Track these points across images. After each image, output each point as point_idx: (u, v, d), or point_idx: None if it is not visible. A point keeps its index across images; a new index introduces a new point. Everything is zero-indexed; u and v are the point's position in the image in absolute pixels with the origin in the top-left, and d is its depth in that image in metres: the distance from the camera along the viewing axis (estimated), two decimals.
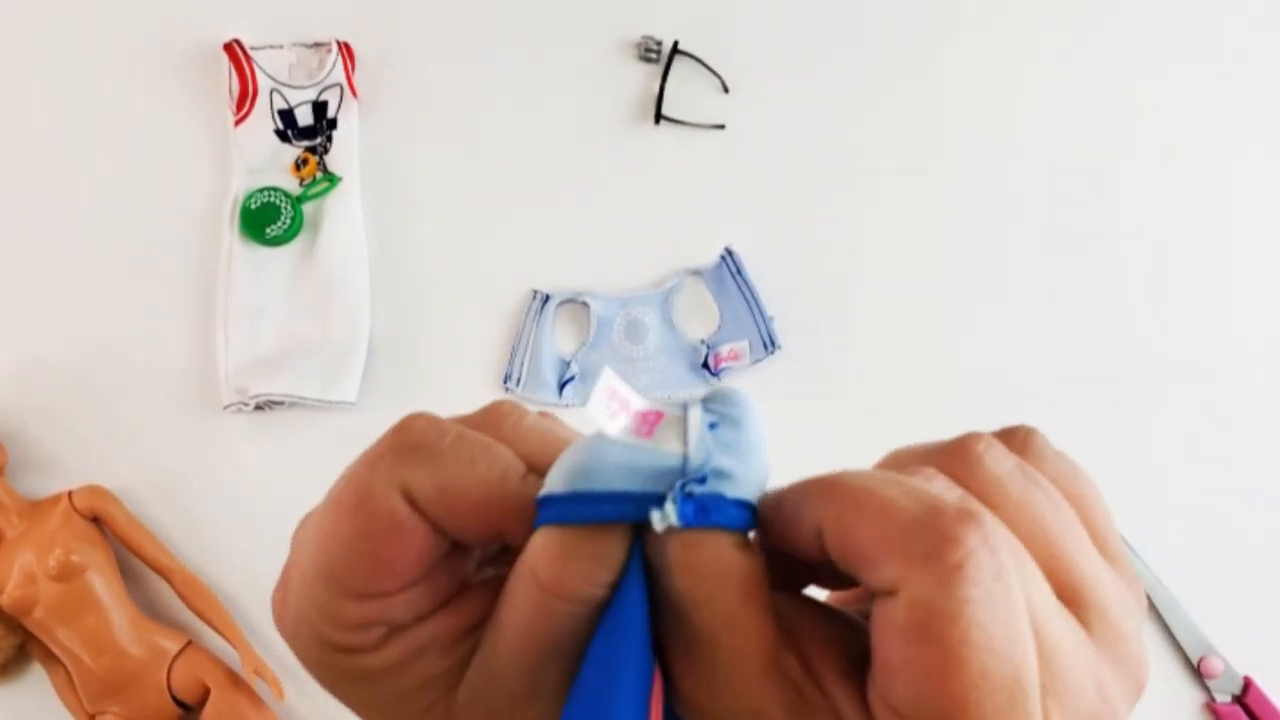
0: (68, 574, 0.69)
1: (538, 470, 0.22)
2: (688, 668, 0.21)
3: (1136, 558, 0.75)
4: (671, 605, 0.21)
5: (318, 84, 0.78)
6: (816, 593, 0.24)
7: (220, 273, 0.76)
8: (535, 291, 0.77)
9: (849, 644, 0.21)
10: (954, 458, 0.22)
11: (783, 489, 0.22)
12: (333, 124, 0.78)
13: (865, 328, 0.78)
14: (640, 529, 0.21)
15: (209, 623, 0.72)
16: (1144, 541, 0.74)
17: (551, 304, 0.77)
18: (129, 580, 0.73)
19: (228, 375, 0.75)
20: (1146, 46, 0.80)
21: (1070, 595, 0.22)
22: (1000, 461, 0.22)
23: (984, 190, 0.79)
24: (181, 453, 0.76)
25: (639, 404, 0.21)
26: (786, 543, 0.22)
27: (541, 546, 0.21)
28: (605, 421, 0.21)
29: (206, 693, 0.72)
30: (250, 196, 0.76)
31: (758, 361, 0.76)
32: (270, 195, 0.76)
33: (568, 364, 0.77)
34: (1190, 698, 0.75)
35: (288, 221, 0.76)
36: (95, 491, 0.73)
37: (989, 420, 0.25)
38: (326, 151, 0.78)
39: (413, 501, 0.22)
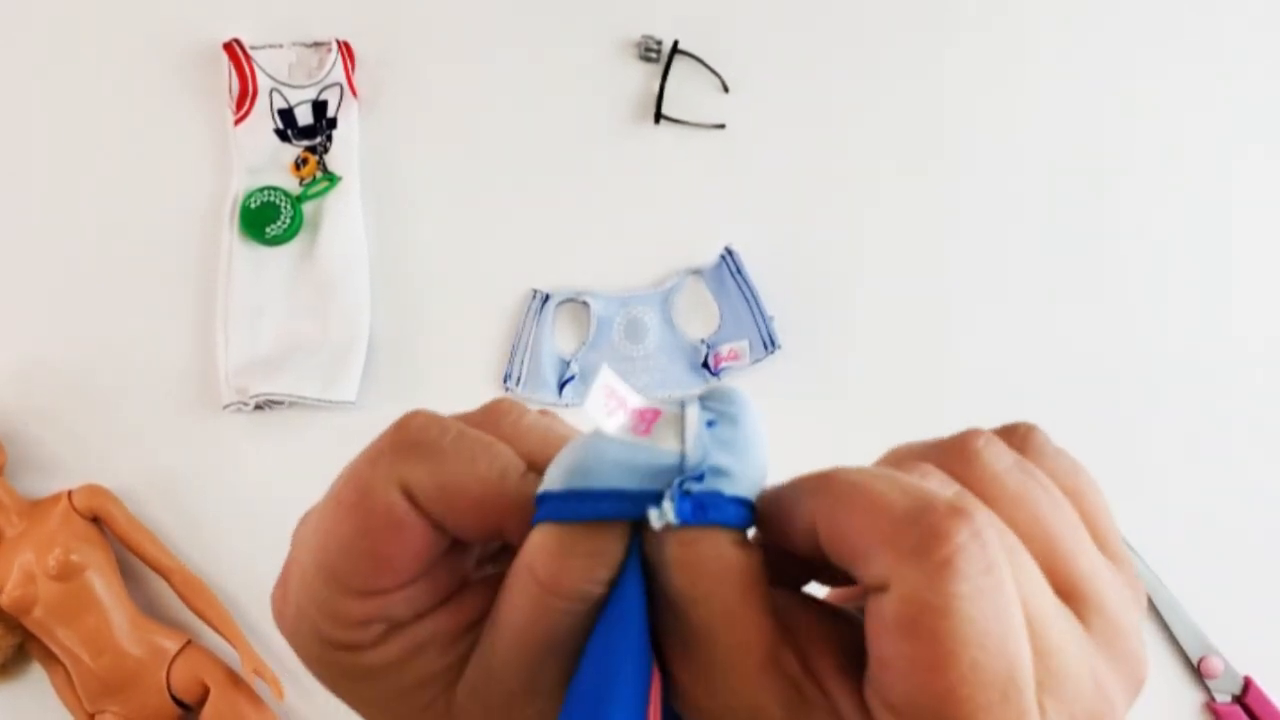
0: (67, 573, 0.69)
1: (537, 468, 0.22)
2: (686, 665, 0.21)
3: (1136, 558, 0.75)
4: (670, 602, 0.21)
5: (318, 83, 0.78)
6: (817, 590, 0.24)
7: (220, 272, 0.76)
8: (535, 291, 0.77)
9: (847, 641, 0.21)
10: (953, 454, 0.22)
11: (780, 485, 0.22)
12: (332, 123, 0.78)
13: (865, 328, 0.78)
14: (639, 526, 0.21)
15: (209, 622, 0.72)
16: (1144, 541, 0.74)
17: (551, 304, 0.77)
18: (129, 580, 0.73)
19: (228, 375, 0.75)
20: (1146, 46, 0.80)
21: (1069, 591, 0.22)
22: (999, 458, 0.22)
23: (984, 190, 0.79)
24: (181, 452, 0.76)
25: (636, 402, 0.21)
26: (783, 539, 0.22)
27: (539, 543, 0.21)
28: (603, 419, 0.21)
29: (206, 692, 0.72)
30: (250, 196, 0.76)
31: (758, 361, 0.76)
32: (270, 195, 0.76)
33: (568, 363, 0.77)
34: (1190, 698, 0.75)
35: (287, 221, 0.76)
36: (95, 491, 0.73)
37: (989, 420, 0.25)
38: (326, 151, 0.78)
39: (412, 498, 0.22)
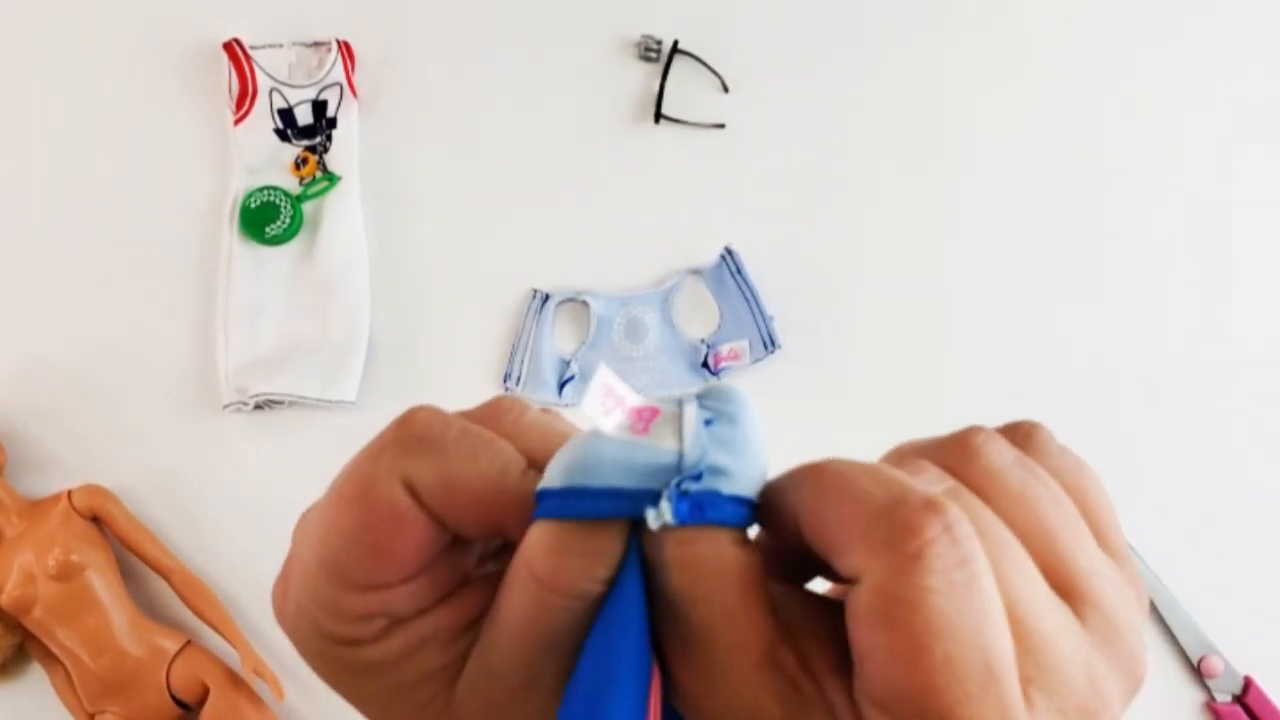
0: (67, 573, 0.69)
1: (538, 465, 0.22)
2: (685, 663, 0.21)
3: (1137, 558, 0.75)
4: (669, 602, 0.21)
5: (317, 83, 0.78)
6: (821, 585, 0.24)
7: (220, 272, 0.76)
8: (535, 291, 0.77)
9: (844, 637, 0.21)
10: (953, 451, 0.22)
11: (779, 476, 0.22)
12: (332, 123, 0.78)
13: (865, 328, 0.78)
14: (639, 525, 0.21)
15: (209, 623, 0.72)
16: (1144, 541, 0.74)
17: (551, 303, 0.77)
18: (129, 580, 0.73)
19: (228, 375, 0.75)
20: (1146, 46, 0.80)
21: (1067, 588, 0.22)
22: (999, 454, 0.22)
23: (984, 190, 0.79)
24: (181, 452, 0.76)
25: (634, 400, 0.21)
26: (776, 531, 0.22)
27: (537, 540, 0.21)
28: (600, 418, 0.21)
29: (206, 692, 0.72)
30: (250, 196, 0.76)
31: (758, 361, 0.76)
32: (270, 194, 0.76)
33: (568, 363, 0.77)
34: (1190, 698, 0.75)
35: (287, 221, 0.76)
36: (95, 491, 0.73)
37: (989, 420, 0.25)
38: (326, 151, 0.78)
39: (415, 493, 0.22)
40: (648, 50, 0.79)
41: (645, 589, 0.21)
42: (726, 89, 0.79)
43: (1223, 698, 0.74)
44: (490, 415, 0.24)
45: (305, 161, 0.78)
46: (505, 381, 0.76)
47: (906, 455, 0.23)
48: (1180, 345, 0.78)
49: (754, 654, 0.21)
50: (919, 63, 0.80)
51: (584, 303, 0.77)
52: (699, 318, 0.78)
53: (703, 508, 0.20)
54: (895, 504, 0.19)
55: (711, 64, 0.79)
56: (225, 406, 0.75)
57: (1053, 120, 0.80)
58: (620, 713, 0.19)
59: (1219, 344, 0.78)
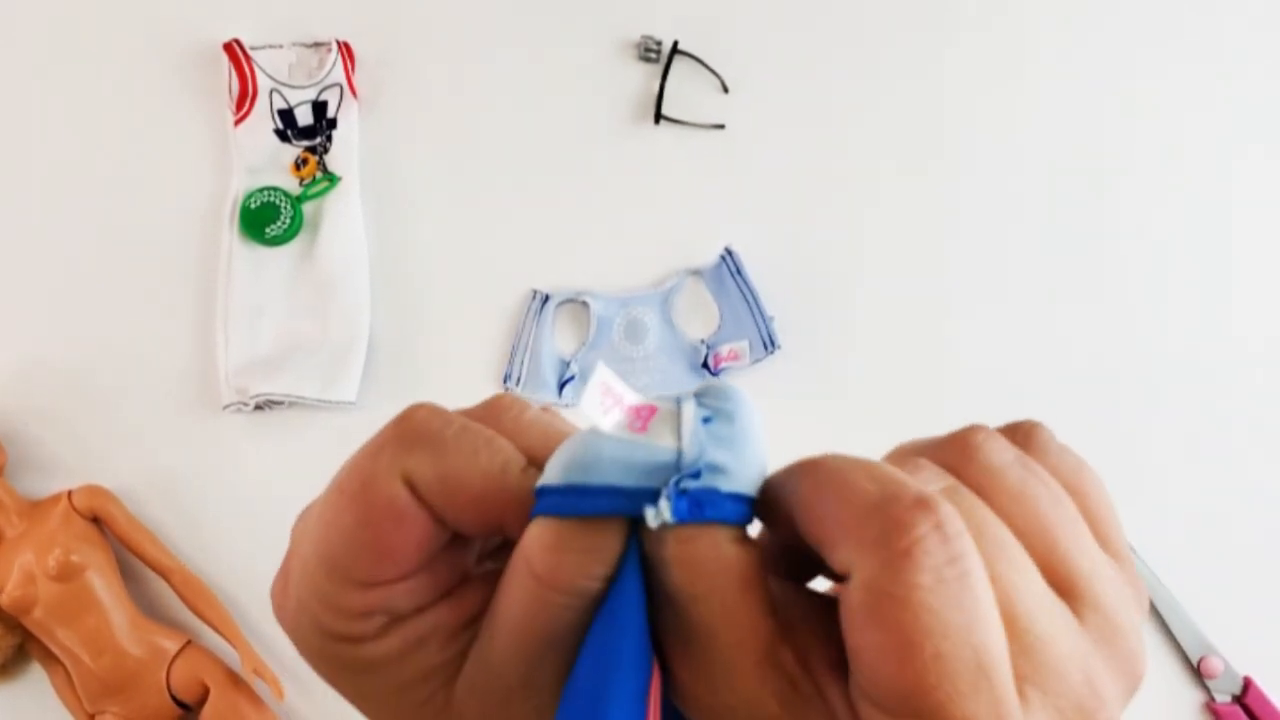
0: (67, 574, 0.69)
1: (538, 463, 0.22)
2: (685, 661, 0.21)
3: (1136, 558, 0.75)
4: (669, 599, 0.21)
5: (317, 84, 0.78)
6: (823, 584, 0.24)
7: (220, 272, 0.76)
8: (535, 291, 0.77)
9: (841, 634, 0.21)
10: (953, 449, 0.22)
11: (779, 471, 0.22)
12: (332, 124, 0.78)
13: (865, 328, 0.78)
14: (638, 523, 0.21)
15: (209, 623, 0.72)
16: (1144, 541, 0.74)
17: (551, 304, 0.77)
18: (129, 580, 0.73)
19: (228, 375, 0.75)
20: (1146, 46, 0.80)
21: (1066, 587, 0.22)
22: (999, 453, 0.22)
23: (984, 190, 0.79)
24: (181, 453, 0.76)
25: (633, 399, 0.21)
26: (776, 527, 0.22)
27: (536, 537, 0.21)
28: (599, 417, 0.21)
29: (206, 692, 0.72)
30: (250, 196, 0.76)
31: (758, 361, 0.76)
32: (270, 195, 0.76)
33: (568, 364, 0.77)
34: (1190, 698, 0.74)
35: (287, 221, 0.76)
36: (95, 491, 0.73)
37: (989, 420, 0.25)
38: (326, 151, 0.78)
39: (415, 490, 0.22)
40: (648, 51, 0.79)
41: (645, 587, 0.21)
42: (726, 89, 0.79)
43: (1222, 698, 0.74)
44: (490, 413, 0.24)
45: (305, 162, 0.78)
46: (505, 382, 0.76)
47: (907, 454, 0.23)
48: (1180, 345, 0.78)
49: (753, 652, 0.21)
50: (919, 63, 0.80)
51: (584, 303, 0.77)
52: (699, 318, 0.78)
53: (701, 505, 0.20)
54: (887, 500, 0.19)
55: (711, 64, 0.79)
56: (225, 407, 0.75)
57: (1053, 120, 0.80)
58: (620, 710, 0.19)
59: (1219, 344, 0.78)
